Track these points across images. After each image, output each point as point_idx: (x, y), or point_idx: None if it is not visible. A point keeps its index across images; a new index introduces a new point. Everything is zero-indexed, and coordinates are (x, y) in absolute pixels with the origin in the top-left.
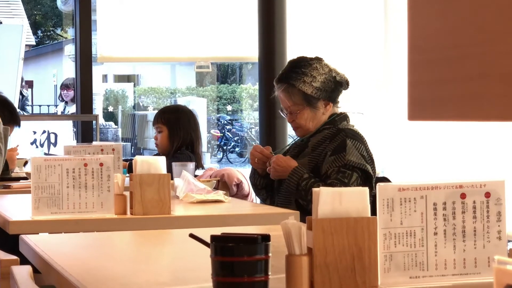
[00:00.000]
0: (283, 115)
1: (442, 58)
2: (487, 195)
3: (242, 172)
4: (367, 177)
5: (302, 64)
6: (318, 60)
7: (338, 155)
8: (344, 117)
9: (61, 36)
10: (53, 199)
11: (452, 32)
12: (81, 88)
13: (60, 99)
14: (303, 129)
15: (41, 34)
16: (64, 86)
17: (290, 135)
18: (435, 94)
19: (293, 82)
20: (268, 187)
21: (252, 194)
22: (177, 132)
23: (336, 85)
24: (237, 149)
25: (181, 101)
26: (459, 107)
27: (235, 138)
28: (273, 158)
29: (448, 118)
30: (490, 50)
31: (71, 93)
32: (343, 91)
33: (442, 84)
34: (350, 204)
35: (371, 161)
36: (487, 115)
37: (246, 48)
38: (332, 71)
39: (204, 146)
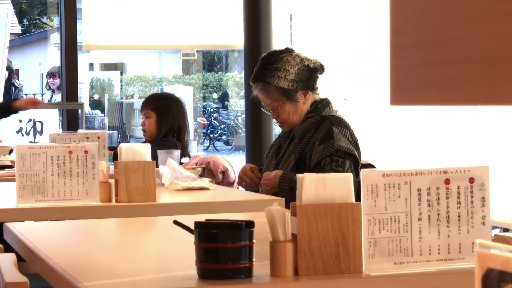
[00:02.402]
0: (267, 113)
1: (425, 42)
2: (471, 180)
3: (228, 160)
4: (353, 163)
5: (273, 60)
6: (288, 51)
7: (327, 143)
8: (326, 103)
9: (47, 24)
10: (38, 187)
11: (434, 16)
12: (66, 76)
13: (47, 87)
14: (288, 124)
15: (27, 23)
16: (50, 75)
17: (276, 122)
18: (417, 78)
19: (267, 80)
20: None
21: None
22: (166, 118)
23: (311, 72)
24: (223, 137)
25: (168, 89)
26: (442, 91)
27: (222, 126)
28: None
29: (430, 103)
30: (472, 34)
31: (57, 81)
32: (320, 76)
33: (425, 68)
34: (334, 190)
35: (356, 147)
36: (470, 99)
37: (232, 36)
38: (304, 60)
39: (191, 135)
